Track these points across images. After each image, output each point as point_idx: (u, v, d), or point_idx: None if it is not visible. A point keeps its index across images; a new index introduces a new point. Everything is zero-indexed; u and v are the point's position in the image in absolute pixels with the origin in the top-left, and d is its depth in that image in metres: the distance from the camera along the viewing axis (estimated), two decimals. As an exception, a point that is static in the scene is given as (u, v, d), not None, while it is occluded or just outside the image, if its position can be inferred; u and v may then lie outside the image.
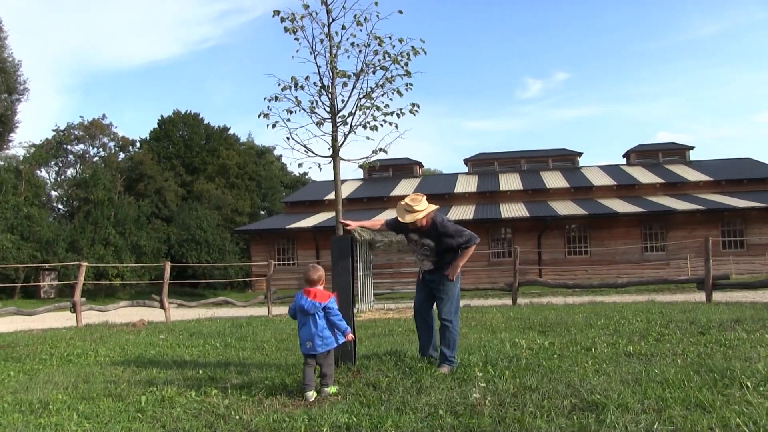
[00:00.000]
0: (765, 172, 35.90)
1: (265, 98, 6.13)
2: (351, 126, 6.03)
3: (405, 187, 38.36)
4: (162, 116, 56.56)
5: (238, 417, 4.11)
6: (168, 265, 15.28)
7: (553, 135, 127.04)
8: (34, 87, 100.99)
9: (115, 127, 56.48)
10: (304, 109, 5.99)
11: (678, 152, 40.36)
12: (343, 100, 6.10)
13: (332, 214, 35.34)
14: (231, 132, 60.38)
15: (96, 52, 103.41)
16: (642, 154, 40.72)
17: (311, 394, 4.71)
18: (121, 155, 54.79)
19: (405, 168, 42.48)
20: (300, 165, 7.42)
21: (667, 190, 34.71)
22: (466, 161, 42.23)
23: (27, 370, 6.86)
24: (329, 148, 6.12)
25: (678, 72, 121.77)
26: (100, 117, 52.18)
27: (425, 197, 5.77)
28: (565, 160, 41.41)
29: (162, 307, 14.50)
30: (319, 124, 6.10)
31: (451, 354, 5.79)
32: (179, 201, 49.31)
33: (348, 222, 6.08)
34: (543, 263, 30.48)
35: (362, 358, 6.29)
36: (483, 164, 41.81)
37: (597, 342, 7.14)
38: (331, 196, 37.40)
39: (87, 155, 52.64)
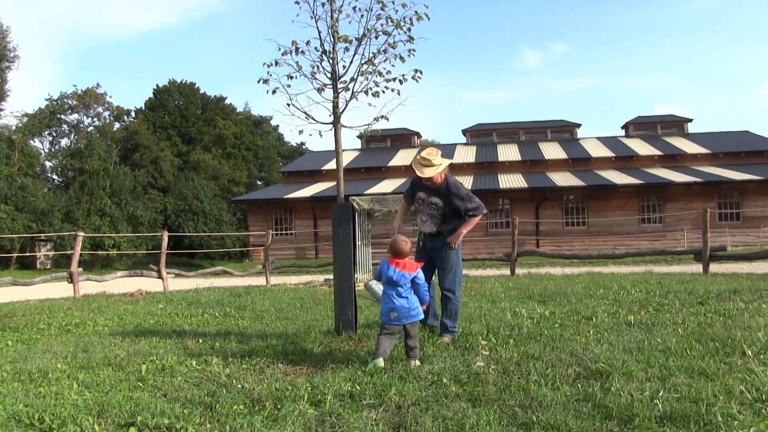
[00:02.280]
0: (763, 145, 35.92)
1: (264, 64, 5.98)
2: (353, 92, 5.90)
3: (403, 157, 38.24)
4: (157, 85, 56.11)
5: (240, 386, 4.07)
6: (165, 235, 15.22)
7: (551, 107, 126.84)
8: (27, 56, 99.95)
9: (110, 97, 56.07)
10: (304, 75, 5.86)
11: (676, 124, 40.26)
12: (344, 66, 5.97)
13: (330, 183, 35.29)
14: (227, 102, 60.09)
15: (89, 21, 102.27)
16: (640, 126, 40.61)
17: (381, 362, 4.61)
18: (116, 125, 54.46)
19: (403, 138, 42.30)
20: (300, 132, 7.31)
21: (665, 162, 34.67)
22: (465, 132, 42.05)
23: (25, 340, 6.81)
24: (330, 115, 6.01)
25: (676, 45, 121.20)
26: (94, 86, 51.73)
27: (440, 152, 5.68)
28: (564, 131, 41.26)
29: (160, 277, 14.46)
30: (320, 90, 5.97)
31: (453, 325, 5.76)
32: (175, 171, 49.13)
33: (398, 225, 5.91)
34: (541, 234, 30.52)
35: (363, 327, 6.27)
36: (481, 135, 41.65)
37: (597, 312, 7.13)
38: (329, 165, 37.36)
39: (81, 125, 52.28)
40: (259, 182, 58.28)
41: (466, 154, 38.04)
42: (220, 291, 12.61)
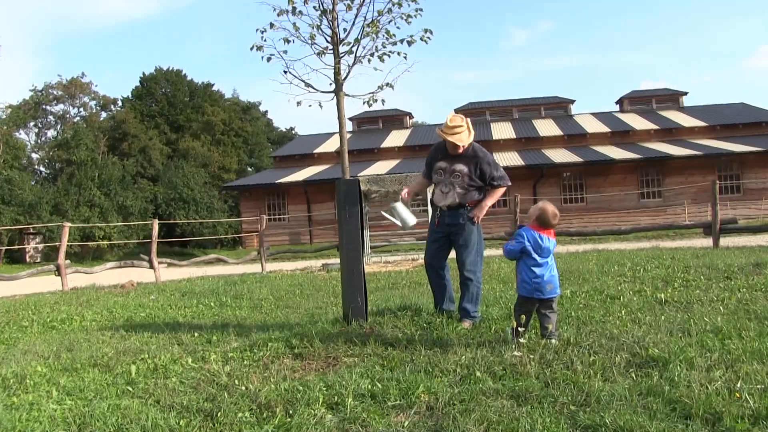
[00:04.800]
0: (760, 116, 35.50)
1: (257, 29, 5.40)
2: (356, 56, 5.35)
3: (395, 138, 37.68)
4: (144, 74, 55.02)
5: (243, 387, 3.53)
6: (156, 223, 14.64)
7: (542, 84, 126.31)
8: (9, 47, 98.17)
9: (96, 86, 55.03)
10: (302, 39, 5.29)
11: (671, 98, 39.75)
12: (345, 29, 5.40)
13: (323, 167, 34.72)
14: (215, 88, 59.12)
15: (71, 12, 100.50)
16: (635, 101, 40.10)
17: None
18: (103, 114, 53.44)
19: (395, 119, 41.64)
20: (299, 104, 6.79)
21: (662, 136, 34.21)
22: (457, 111, 41.31)
23: (5, 340, 6.23)
24: (331, 83, 5.45)
25: (662, 19, 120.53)
26: (79, 76, 50.68)
27: (460, 115, 5.29)
28: (558, 107, 40.66)
29: (151, 267, 13.91)
30: (320, 54, 5.42)
31: (474, 309, 5.25)
32: (165, 160, 48.33)
33: (407, 190, 5.48)
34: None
35: (373, 314, 5.72)
36: (474, 114, 40.95)
37: (622, 290, 6.64)
38: (321, 149, 36.78)
39: (67, 115, 51.30)
40: (249, 168, 57.52)
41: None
42: (214, 279, 12.07)
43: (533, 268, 4.31)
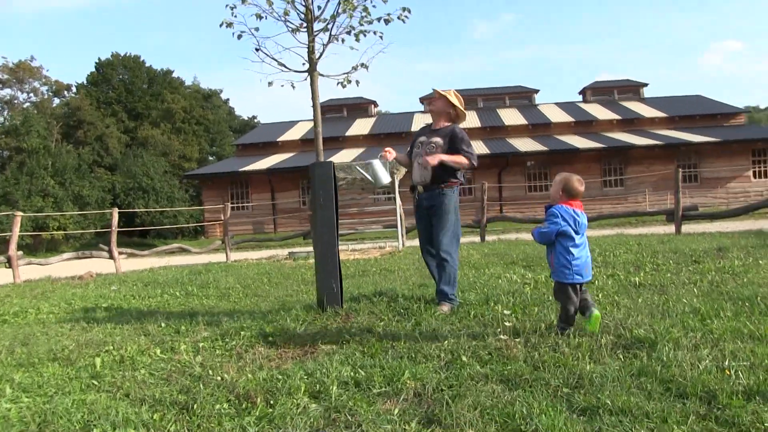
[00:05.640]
0: (715, 108, 36.39)
1: (227, 5, 5.14)
2: (331, 34, 5.13)
3: (360, 127, 37.43)
4: (99, 59, 53.61)
5: (219, 378, 3.34)
6: (116, 212, 14.19)
7: (505, 75, 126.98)
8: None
9: (47, 71, 53.47)
10: (275, 17, 5.06)
11: (632, 89, 40.35)
12: (320, 6, 5.18)
13: (286, 155, 34.34)
14: (175, 75, 58.07)
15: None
16: (597, 91, 40.60)
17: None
18: (56, 101, 51.89)
19: (359, 107, 41.34)
20: (270, 84, 6.52)
21: (624, 126, 34.69)
22: (422, 99, 41.27)
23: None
24: (304, 63, 5.23)
25: (620, 14, 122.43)
26: (27, 59, 49.03)
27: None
28: (522, 97, 40.86)
29: (111, 257, 13.48)
30: (294, 31, 5.18)
31: (452, 291, 5.17)
32: (123, 148, 47.31)
33: (388, 150, 5.43)
34: (504, 200, 30.20)
35: (348, 301, 5.58)
36: (438, 102, 40.94)
37: (595, 274, 6.60)
38: (284, 137, 36.35)
39: (15, 101, 49.58)
40: (211, 157, 56.63)
41: (425, 122, 37.29)
42: (178, 269, 11.74)
43: (572, 250, 3.91)
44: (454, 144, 5.19)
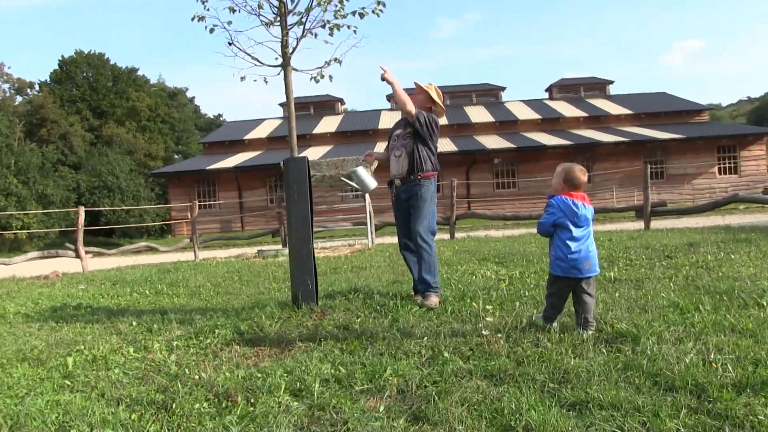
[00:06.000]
0: (680, 105, 36.98)
1: (198, -1, 5.04)
2: (305, 28, 5.07)
3: (327, 124, 37.27)
4: (63, 57, 52.56)
5: (196, 376, 3.25)
6: (82, 211, 13.88)
7: (471, 73, 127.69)
8: None
9: (9, 68, 52.25)
10: (248, 11, 4.97)
11: (598, 86, 40.79)
12: (293, 0, 5.11)
13: (253, 153, 34.08)
14: (140, 73, 57.18)
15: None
16: (564, 89, 40.96)
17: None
18: (18, 98, 50.71)
19: (326, 105, 41.14)
20: (243, 78, 6.40)
21: (590, 124, 35.07)
22: (389, 97, 41.29)
23: None
24: (277, 58, 5.16)
25: (585, 13, 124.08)
26: (-11, 56, 47.88)
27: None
28: (489, 94, 41.07)
29: (77, 256, 13.19)
30: (268, 25, 5.10)
31: (434, 280, 5.13)
32: (87, 146, 46.41)
33: (369, 153, 5.50)
34: (472, 197, 30.33)
35: (323, 298, 5.51)
36: (405, 100, 40.95)
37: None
38: (251, 135, 36.03)
39: (-24, 98, 48.43)
40: (176, 156, 55.94)
41: (393, 120, 37.22)
42: (146, 268, 11.54)
43: (568, 242, 3.79)
44: (418, 132, 5.23)
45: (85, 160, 41.76)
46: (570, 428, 2.30)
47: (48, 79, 52.22)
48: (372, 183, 5.47)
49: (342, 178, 5.35)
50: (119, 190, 36.98)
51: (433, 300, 4.95)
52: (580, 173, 3.87)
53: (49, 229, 30.96)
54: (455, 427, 2.40)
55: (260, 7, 5.02)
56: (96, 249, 15.85)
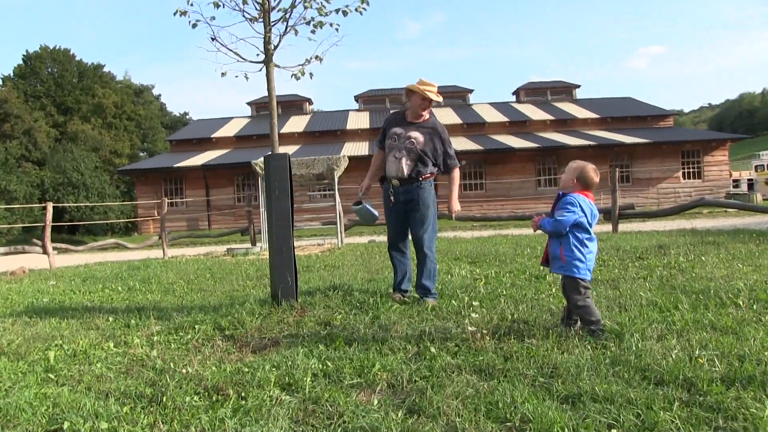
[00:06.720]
0: (645, 110, 37.60)
1: (181, -7, 5.01)
2: (288, 24, 5.07)
3: (295, 124, 37.07)
4: (27, 51, 51.50)
5: (184, 371, 3.23)
6: (50, 206, 13.64)
7: (437, 75, 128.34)
8: None
9: (-31, 62, 50.96)
10: (232, 7, 4.95)
11: (565, 90, 41.23)
12: (276, -4, 5.11)
13: (221, 151, 33.78)
14: (106, 69, 56.29)
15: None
16: (531, 92, 41.30)
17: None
18: (-21, 93, 49.55)
19: (294, 104, 40.88)
20: (223, 74, 6.34)
21: (557, 127, 35.43)
22: (357, 98, 41.25)
23: None
24: (258, 54, 5.16)
25: (550, 17, 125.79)
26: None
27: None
28: (456, 96, 41.20)
29: (45, 252, 12.95)
30: (253, 21, 5.08)
31: (433, 286, 5.19)
32: (52, 143, 45.52)
33: (365, 188, 5.48)
34: (439, 198, 30.38)
35: (303, 294, 5.51)
36: (374, 101, 40.98)
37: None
38: (219, 133, 35.72)
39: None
40: (142, 153, 55.22)
41: (360, 120, 37.29)
42: (115, 265, 11.36)
43: (588, 243, 3.67)
44: (434, 144, 5.17)
45: (49, 156, 41.02)
46: (566, 420, 2.34)
47: (11, 74, 51.13)
48: (376, 213, 5.53)
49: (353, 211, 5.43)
50: (84, 187, 36.37)
51: (430, 301, 4.98)
52: (594, 174, 3.77)
53: (12, 225, 30.31)
54: (453, 420, 2.42)
55: (245, 2, 5.01)
56: (64, 245, 15.62)
